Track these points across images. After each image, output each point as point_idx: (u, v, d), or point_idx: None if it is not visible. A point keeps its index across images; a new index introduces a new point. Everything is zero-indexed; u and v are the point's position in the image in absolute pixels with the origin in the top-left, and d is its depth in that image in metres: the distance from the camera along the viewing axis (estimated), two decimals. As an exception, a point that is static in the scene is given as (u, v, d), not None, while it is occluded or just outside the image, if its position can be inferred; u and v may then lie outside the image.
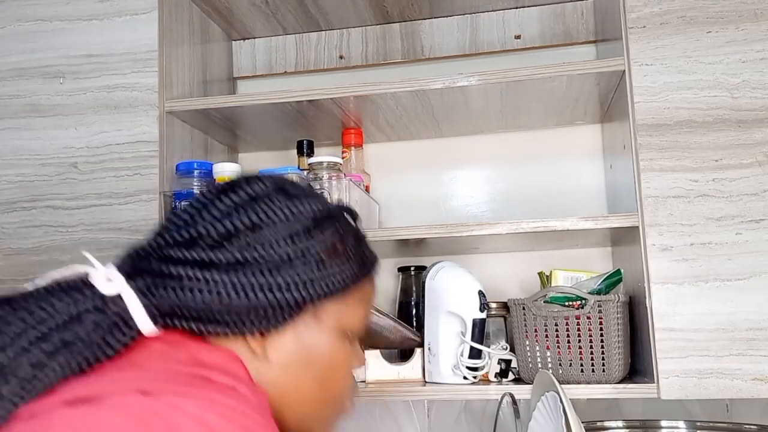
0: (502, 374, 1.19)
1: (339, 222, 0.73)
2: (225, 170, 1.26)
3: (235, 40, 1.67)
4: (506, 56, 1.55)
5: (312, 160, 1.28)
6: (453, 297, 1.21)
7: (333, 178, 1.24)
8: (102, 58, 1.30)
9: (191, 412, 0.53)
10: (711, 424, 1.29)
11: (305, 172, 1.29)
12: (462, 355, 1.18)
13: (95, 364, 0.60)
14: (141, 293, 0.64)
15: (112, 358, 0.62)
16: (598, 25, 1.46)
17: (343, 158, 1.37)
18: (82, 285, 0.63)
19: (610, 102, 1.32)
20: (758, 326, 1.04)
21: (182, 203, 0.75)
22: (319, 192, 0.75)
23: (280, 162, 1.56)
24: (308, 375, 0.70)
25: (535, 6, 1.53)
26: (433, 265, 1.28)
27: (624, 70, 1.14)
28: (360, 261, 0.73)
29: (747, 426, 1.27)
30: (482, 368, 1.19)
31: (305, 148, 1.39)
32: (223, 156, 1.54)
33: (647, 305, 1.09)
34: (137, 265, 0.66)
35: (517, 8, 1.54)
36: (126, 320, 0.63)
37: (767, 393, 1.03)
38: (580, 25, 1.51)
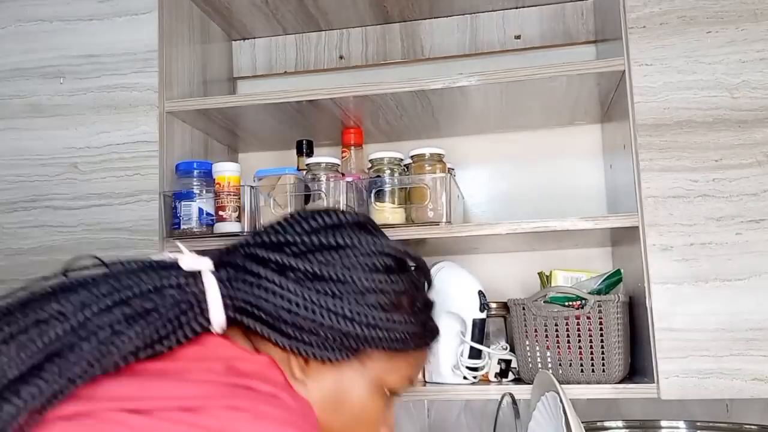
0: (502, 374, 1.19)
1: (414, 276, 0.75)
2: (225, 170, 1.26)
3: (235, 40, 1.67)
4: (506, 56, 1.55)
5: (310, 160, 1.28)
6: (453, 297, 1.21)
7: (331, 178, 1.24)
8: (102, 58, 1.30)
9: (237, 425, 0.56)
10: (711, 424, 1.29)
11: (303, 173, 1.29)
12: (462, 355, 1.18)
13: (154, 347, 0.63)
14: (221, 282, 0.67)
15: (158, 358, 0.63)
16: (598, 25, 1.46)
17: (342, 158, 1.37)
18: (170, 266, 0.67)
19: (610, 102, 1.32)
20: (758, 326, 1.04)
21: (280, 219, 0.77)
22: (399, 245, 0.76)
23: (280, 162, 1.56)
24: (337, 415, 0.70)
25: (535, 6, 1.53)
26: (433, 265, 1.28)
27: (624, 70, 1.14)
28: (423, 326, 0.74)
29: (747, 426, 1.27)
30: (482, 368, 1.19)
31: (304, 148, 1.39)
32: (222, 156, 1.54)
33: (647, 305, 1.09)
34: (223, 258, 0.70)
35: (517, 8, 1.54)
36: (200, 303, 0.66)
37: (767, 393, 1.03)
38: (580, 25, 1.51)
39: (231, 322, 0.69)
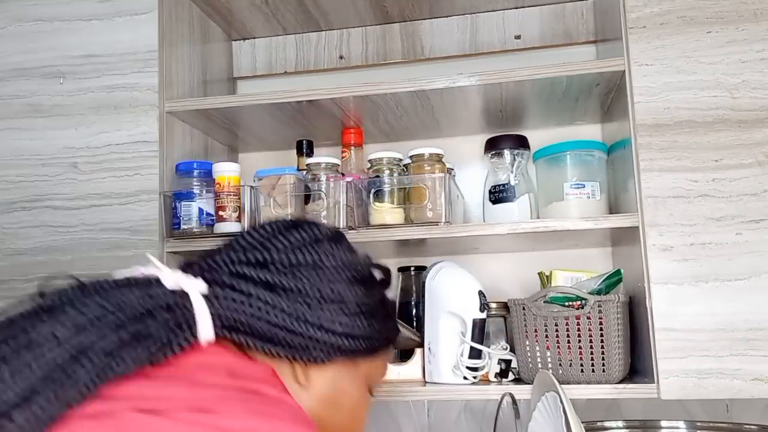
0: (502, 374, 1.19)
1: (384, 284, 0.81)
2: (225, 170, 1.26)
3: (235, 40, 1.67)
4: (506, 56, 1.55)
5: (310, 160, 1.28)
6: (453, 297, 1.21)
7: (331, 178, 1.24)
8: (102, 58, 1.30)
9: (253, 424, 0.57)
10: (711, 424, 1.29)
11: (303, 173, 1.29)
12: (462, 355, 1.18)
13: (152, 364, 0.63)
14: (208, 300, 0.68)
15: (163, 364, 0.64)
16: (598, 25, 1.46)
17: (342, 158, 1.37)
18: (153, 283, 0.67)
19: (610, 102, 1.32)
20: (758, 326, 1.04)
21: (251, 228, 0.78)
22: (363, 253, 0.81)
23: (280, 162, 1.56)
24: (336, 413, 0.75)
25: (535, 6, 1.53)
26: (433, 265, 1.27)
27: (624, 70, 1.14)
28: (395, 328, 0.82)
29: (747, 426, 1.27)
30: (482, 368, 1.19)
31: (304, 148, 1.39)
32: (223, 156, 1.54)
33: (647, 305, 1.09)
34: (206, 276, 0.70)
35: (517, 8, 1.54)
36: (190, 323, 0.66)
37: (767, 393, 1.03)
38: (580, 25, 1.51)
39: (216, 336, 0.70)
